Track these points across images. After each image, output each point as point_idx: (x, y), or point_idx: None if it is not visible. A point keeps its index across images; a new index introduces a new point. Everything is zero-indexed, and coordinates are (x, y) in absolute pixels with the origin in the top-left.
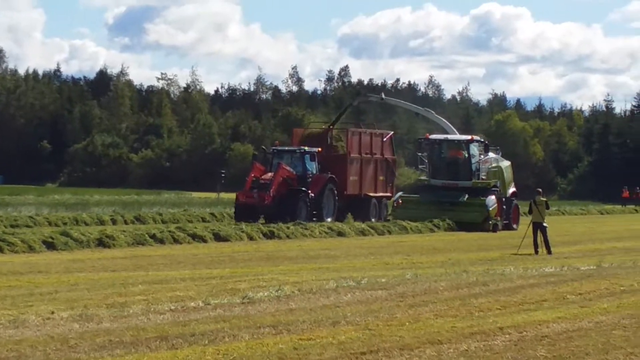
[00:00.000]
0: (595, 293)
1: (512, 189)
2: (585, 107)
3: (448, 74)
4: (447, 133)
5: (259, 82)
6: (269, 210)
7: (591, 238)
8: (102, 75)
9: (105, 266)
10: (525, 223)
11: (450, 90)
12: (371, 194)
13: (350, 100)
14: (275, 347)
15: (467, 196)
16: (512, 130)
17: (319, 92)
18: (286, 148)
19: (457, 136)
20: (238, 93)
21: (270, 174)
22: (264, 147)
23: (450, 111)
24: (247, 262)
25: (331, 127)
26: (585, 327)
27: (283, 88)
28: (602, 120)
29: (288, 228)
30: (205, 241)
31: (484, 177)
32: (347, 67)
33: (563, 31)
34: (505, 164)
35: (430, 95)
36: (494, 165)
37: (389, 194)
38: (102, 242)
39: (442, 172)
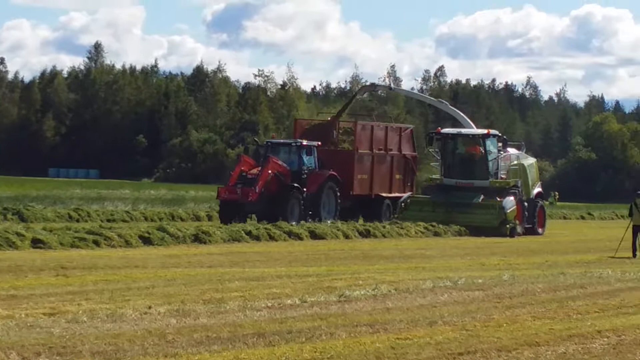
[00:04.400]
0: None
1: (537, 189)
2: None
3: (546, 75)
4: (462, 127)
5: (355, 80)
6: (256, 208)
7: None
8: (199, 71)
9: (202, 262)
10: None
11: (547, 92)
12: (384, 195)
13: (355, 90)
14: (372, 346)
15: (482, 197)
16: (609, 132)
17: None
18: (281, 141)
19: (472, 130)
20: (334, 91)
21: (258, 168)
22: (256, 139)
23: (547, 112)
24: (343, 260)
25: (336, 119)
26: None
27: None
28: None
29: (384, 227)
30: (301, 238)
31: (503, 176)
32: (442, 67)
33: None
34: (529, 161)
35: (527, 96)
36: (514, 162)
37: (410, 194)
38: (198, 238)
39: (456, 170)
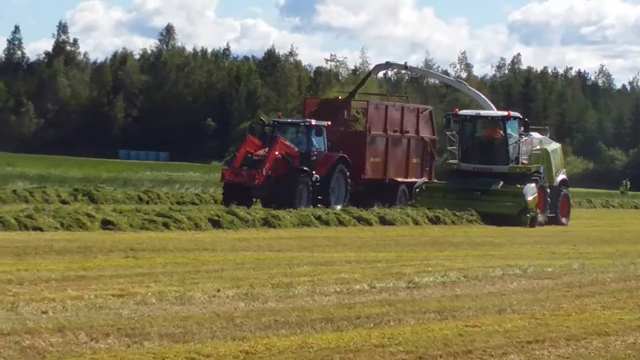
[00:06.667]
0: None
1: (561, 177)
2: None
3: (620, 63)
4: (482, 108)
5: (427, 65)
6: (262, 191)
7: None
8: (270, 55)
9: (271, 246)
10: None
11: (621, 80)
12: (399, 179)
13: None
14: (440, 332)
15: (501, 183)
16: None
17: (487, 78)
18: (288, 120)
19: (491, 112)
20: (406, 76)
21: (265, 150)
22: (262, 118)
23: (619, 101)
24: (412, 246)
25: (349, 99)
26: None
27: (452, 73)
28: None
29: (454, 214)
30: (370, 224)
31: (524, 162)
32: (519, 54)
33: None
34: (553, 146)
35: (600, 84)
36: (537, 147)
37: (425, 180)
38: (267, 222)
39: (475, 154)
